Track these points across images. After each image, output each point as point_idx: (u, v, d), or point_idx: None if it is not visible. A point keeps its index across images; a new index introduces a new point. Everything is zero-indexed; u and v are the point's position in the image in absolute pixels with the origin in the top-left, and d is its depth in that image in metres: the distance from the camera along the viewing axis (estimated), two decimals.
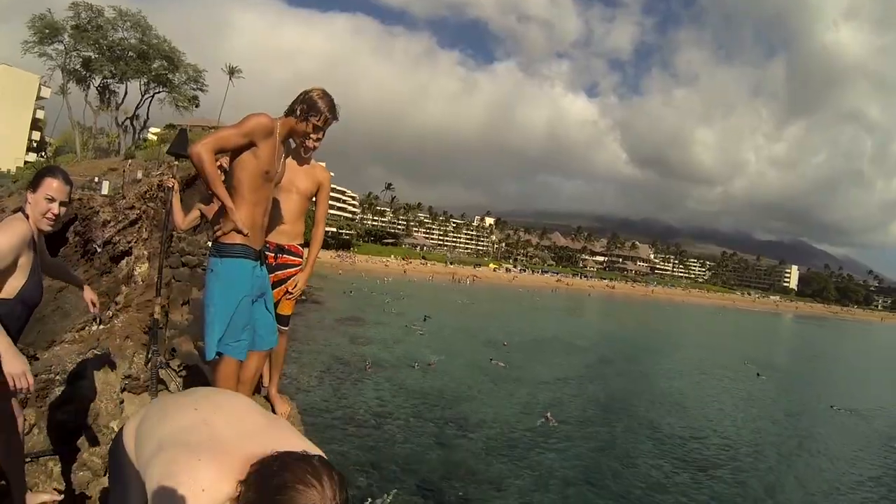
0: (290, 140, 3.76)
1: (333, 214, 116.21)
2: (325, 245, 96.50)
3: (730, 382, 49.57)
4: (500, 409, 29.51)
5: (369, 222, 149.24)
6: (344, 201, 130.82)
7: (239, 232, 3.25)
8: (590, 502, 21.58)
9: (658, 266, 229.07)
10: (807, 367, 75.26)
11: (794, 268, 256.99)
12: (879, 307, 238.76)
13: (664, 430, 32.96)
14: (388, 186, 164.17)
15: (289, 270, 4.19)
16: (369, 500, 15.84)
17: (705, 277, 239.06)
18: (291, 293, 4.22)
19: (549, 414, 29.37)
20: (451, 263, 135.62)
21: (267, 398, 4.49)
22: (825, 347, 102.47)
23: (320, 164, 4.26)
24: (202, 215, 4.66)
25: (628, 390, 39.85)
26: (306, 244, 4.33)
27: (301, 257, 4.23)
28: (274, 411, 4.28)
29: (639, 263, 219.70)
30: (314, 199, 4.27)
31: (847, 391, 55.58)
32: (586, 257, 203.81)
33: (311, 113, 3.47)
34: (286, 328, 4.35)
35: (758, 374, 54.41)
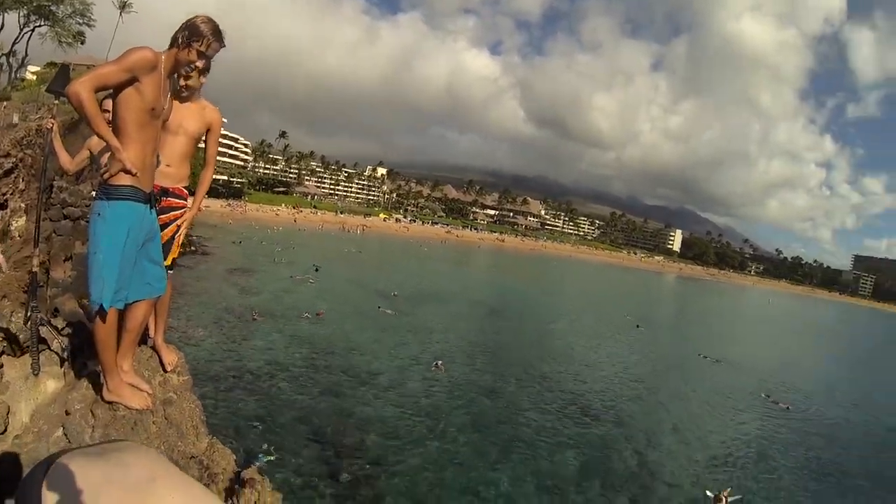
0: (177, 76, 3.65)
1: (224, 162, 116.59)
2: (216, 194, 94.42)
3: (611, 333, 51.91)
4: (391, 358, 29.84)
5: (261, 171, 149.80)
6: (236, 149, 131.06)
7: (128, 172, 3.11)
8: (480, 447, 22.16)
9: (548, 222, 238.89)
10: (682, 321, 79.92)
11: (679, 232, 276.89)
12: (752, 273, 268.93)
13: (550, 377, 34.25)
14: (282, 135, 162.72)
15: (173, 214, 4.08)
16: (261, 453, 15.60)
17: (594, 235, 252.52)
18: (176, 237, 4.12)
19: (439, 362, 29.77)
20: (341, 213, 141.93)
21: (153, 348, 4.33)
22: (701, 305, 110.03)
23: (211, 104, 4.08)
24: (91, 155, 4.51)
25: (516, 339, 41.13)
26: (192, 190, 4.22)
27: (186, 200, 4.12)
28: (161, 362, 4.25)
29: (529, 219, 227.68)
30: (203, 141, 4.14)
31: (716, 343, 59.62)
32: (477, 210, 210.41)
33: (194, 38, 3.31)
34: (171, 272, 4.14)
35: (637, 326, 57.47)
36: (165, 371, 4.18)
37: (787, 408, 37.71)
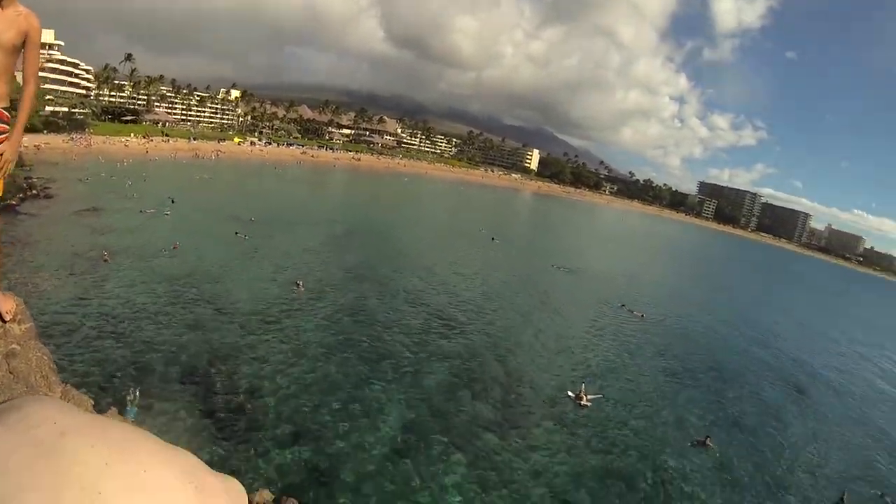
0: None
1: (63, 92, 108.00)
2: (56, 128, 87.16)
3: (467, 248, 53.66)
4: (251, 283, 29.92)
5: (106, 99, 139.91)
6: (76, 76, 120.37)
7: None
8: (348, 366, 23.05)
9: (405, 140, 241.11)
10: (535, 235, 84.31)
11: (536, 151, 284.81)
12: (607, 192, 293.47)
13: (410, 292, 35.58)
14: (128, 58, 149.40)
15: None
16: (128, 404, 15.39)
17: (452, 153, 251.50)
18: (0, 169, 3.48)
19: (299, 283, 30.22)
20: (194, 139, 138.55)
21: None
22: (556, 220, 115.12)
23: (27, 9, 3.47)
24: None
25: (375, 256, 41.97)
26: (13, 108, 3.58)
27: (8, 124, 3.53)
28: None
29: (386, 137, 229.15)
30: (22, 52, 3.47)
31: (573, 256, 63.22)
32: (333, 130, 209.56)
33: None
34: None
35: (493, 239, 60.12)
36: (4, 321, 3.81)
37: (642, 316, 41.14)
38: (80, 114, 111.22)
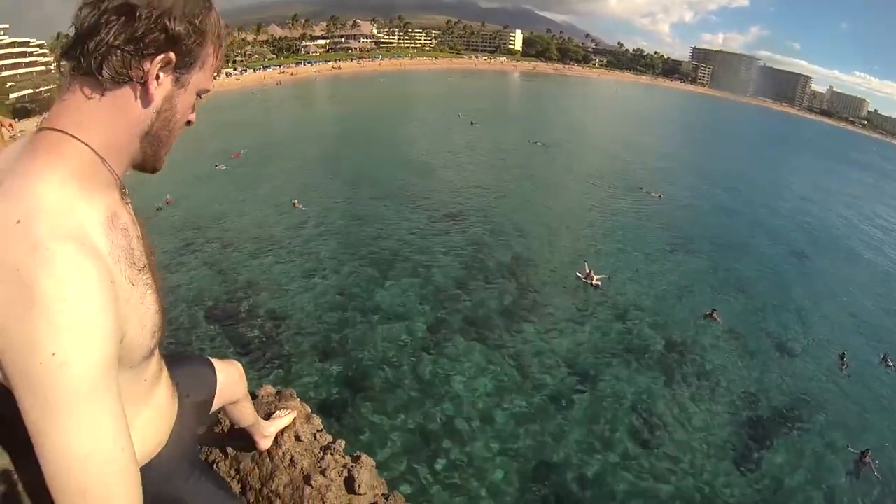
0: None
1: (22, 75, 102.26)
2: (26, 113, 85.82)
3: (447, 133, 54.14)
4: (247, 210, 30.71)
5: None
6: (31, 55, 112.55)
7: None
8: (360, 272, 24.17)
9: (383, 40, 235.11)
10: (515, 113, 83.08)
11: (519, 32, 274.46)
12: (596, 65, 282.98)
13: (405, 189, 36.60)
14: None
15: None
16: None
17: (432, 45, 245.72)
18: None
19: (295, 201, 30.93)
20: None
21: None
22: (543, 97, 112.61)
23: None
24: None
25: (369, 162, 42.60)
26: None
27: None
28: None
29: (363, 41, 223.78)
30: None
31: (550, 129, 63.01)
32: (307, 43, 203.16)
33: None
34: None
35: (472, 123, 60.47)
36: None
37: (660, 196, 41.26)
38: (46, 92, 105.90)
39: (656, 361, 20.87)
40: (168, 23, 1.17)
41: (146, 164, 1.37)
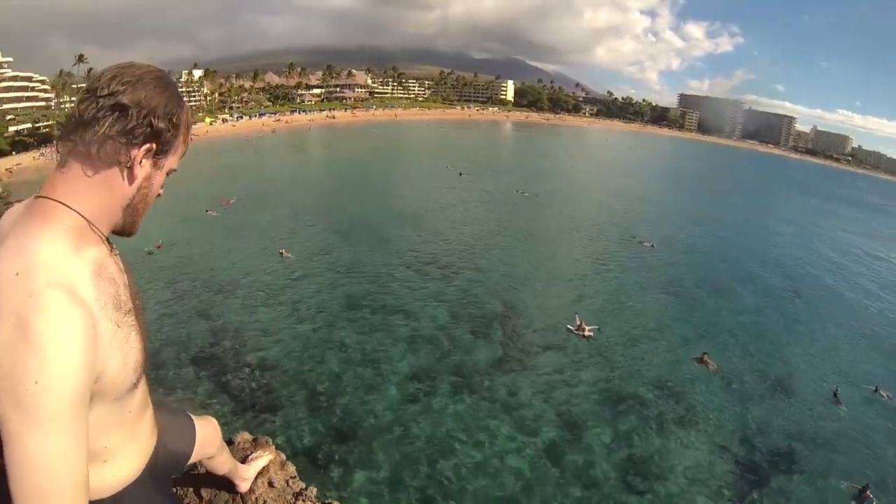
0: None
1: (23, 109, 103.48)
2: (24, 147, 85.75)
3: (436, 185, 54.45)
4: (235, 258, 30.86)
5: (67, 105, 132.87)
6: (32, 90, 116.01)
7: None
8: (348, 319, 24.13)
9: (377, 90, 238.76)
10: (505, 164, 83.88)
11: (510, 82, 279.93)
12: (587, 114, 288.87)
13: (397, 241, 36.63)
14: (80, 59, 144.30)
15: None
16: None
17: (426, 96, 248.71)
18: None
19: (282, 251, 31.22)
20: None
21: None
22: (534, 147, 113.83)
23: None
24: None
25: (359, 211, 42.90)
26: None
27: None
28: None
29: (357, 90, 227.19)
30: None
31: (540, 179, 63.61)
32: (303, 92, 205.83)
33: None
34: None
35: (460, 174, 61.04)
36: None
37: (652, 246, 41.75)
38: (44, 127, 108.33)
39: (650, 410, 20.97)
40: (153, 120, 1.48)
41: (125, 229, 1.63)
